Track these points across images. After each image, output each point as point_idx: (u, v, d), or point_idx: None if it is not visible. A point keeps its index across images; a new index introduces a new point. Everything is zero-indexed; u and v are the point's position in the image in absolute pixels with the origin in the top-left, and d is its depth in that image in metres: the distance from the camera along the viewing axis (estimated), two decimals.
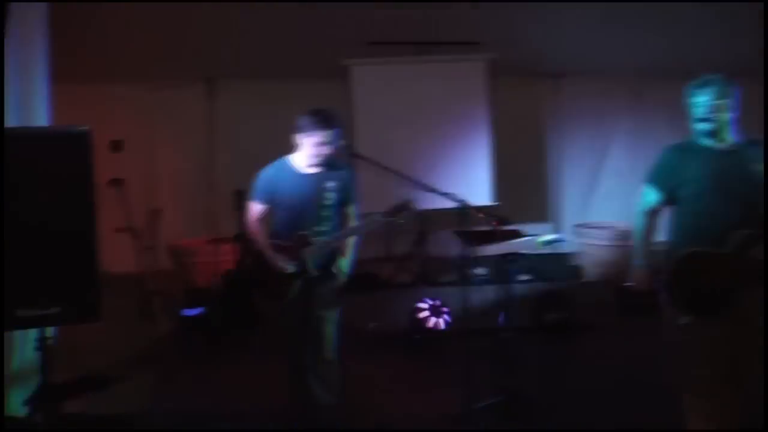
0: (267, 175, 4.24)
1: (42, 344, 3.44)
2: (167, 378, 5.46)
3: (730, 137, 3.62)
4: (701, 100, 3.58)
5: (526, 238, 4.43)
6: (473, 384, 4.26)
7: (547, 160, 9.98)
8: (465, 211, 3.98)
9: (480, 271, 7.94)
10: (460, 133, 8.69)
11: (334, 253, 4.30)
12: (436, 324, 6.03)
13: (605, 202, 9.52)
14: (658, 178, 3.78)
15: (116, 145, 6.35)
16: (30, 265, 3.20)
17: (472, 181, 8.62)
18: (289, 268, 4.15)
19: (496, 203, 8.52)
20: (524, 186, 9.66)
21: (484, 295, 5.88)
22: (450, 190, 8.04)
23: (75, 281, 3.29)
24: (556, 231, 9.87)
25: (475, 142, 8.66)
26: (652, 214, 3.82)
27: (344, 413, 4.42)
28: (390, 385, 5.31)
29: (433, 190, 4.04)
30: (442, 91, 8.65)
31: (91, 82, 8.50)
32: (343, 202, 4.26)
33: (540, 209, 9.95)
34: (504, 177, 8.94)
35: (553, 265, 8.45)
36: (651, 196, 3.80)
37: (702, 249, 3.55)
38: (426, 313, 6.06)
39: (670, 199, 3.74)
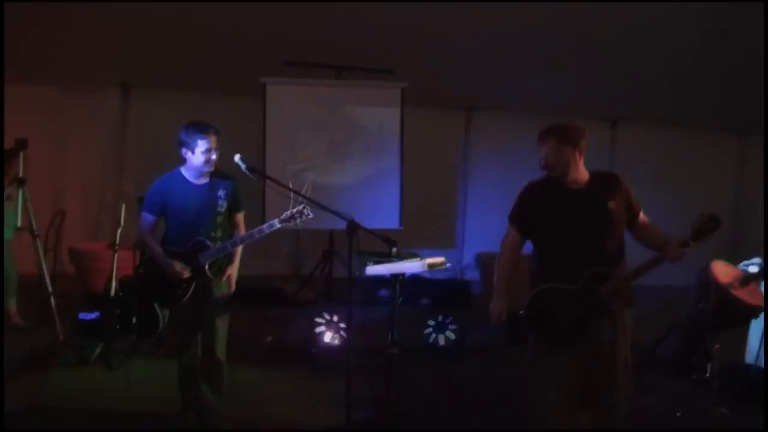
0: (158, 186, 4.40)
1: None
2: (54, 380, 5.45)
3: (581, 177, 3.82)
4: (543, 148, 3.78)
5: (413, 261, 4.59)
6: (354, 398, 4.42)
7: (457, 189, 10.30)
8: (354, 231, 4.13)
9: (383, 292, 8.15)
10: (372, 158, 8.86)
11: (226, 259, 4.46)
12: (331, 339, 6.15)
13: None
14: (516, 215, 4.00)
15: (20, 144, 6.24)
16: None
17: (381, 204, 8.81)
18: (185, 273, 4.30)
19: (399, 227, 8.71)
20: (432, 213, 9.97)
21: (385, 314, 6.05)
22: (359, 212, 8.33)
23: None
24: (461, 258, 10.22)
25: (386, 167, 8.84)
26: (512, 249, 4.01)
27: (227, 416, 4.58)
28: (275, 395, 5.43)
29: (323, 208, 4.19)
30: (356, 115, 8.83)
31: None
32: (232, 209, 4.49)
33: (446, 237, 10.25)
34: (413, 203, 9.18)
35: (454, 291, 8.74)
36: (512, 233, 4.00)
37: (553, 285, 3.80)
38: (322, 329, 6.18)
39: (529, 236, 3.97)
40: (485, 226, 9.74)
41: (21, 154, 6.32)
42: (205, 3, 7.15)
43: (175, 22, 7.51)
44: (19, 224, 6.52)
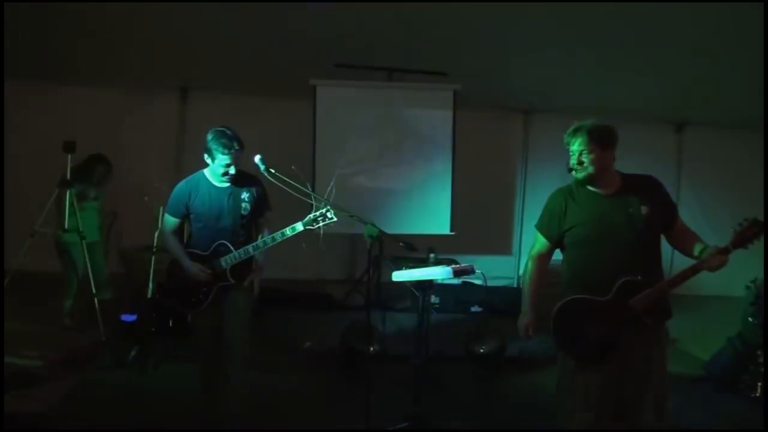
0: (181, 189, 4.37)
1: None
2: (90, 381, 5.47)
3: (613, 180, 3.61)
4: (573, 149, 3.60)
5: (440, 268, 4.41)
6: (387, 408, 4.27)
7: (514, 194, 10.03)
8: (377, 238, 4.00)
9: (433, 299, 7.98)
10: (423, 161, 8.71)
11: (249, 263, 4.37)
12: (365, 347, 6.01)
13: None
14: (544, 223, 3.80)
15: (69, 147, 6.34)
16: None
17: (432, 209, 8.66)
18: (204, 275, 4.25)
19: (450, 233, 8.53)
20: (488, 219, 9.74)
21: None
22: (409, 217, 8.20)
23: None
24: (517, 265, 9.94)
25: (437, 171, 8.67)
26: (540, 259, 3.82)
27: (250, 423, 4.49)
28: (303, 402, 5.35)
29: (347, 213, 4.07)
30: (407, 118, 8.69)
31: (73, 84, 8.81)
32: (256, 212, 4.39)
33: (503, 243, 10.00)
34: (468, 208, 8.99)
35: (504, 298, 8.48)
36: (539, 242, 3.82)
37: (582, 296, 3.56)
38: (357, 336, 6.05)
39: (557, 244, 3.76)
40: None
41: (68, 156, 6.40)
42: (256, 5, 7.11)
43: (229, 25, 7.51)
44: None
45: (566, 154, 9.53)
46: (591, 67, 8.27)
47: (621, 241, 3.53)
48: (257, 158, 4.18)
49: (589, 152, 3.55)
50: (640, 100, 8.81)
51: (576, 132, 3.60)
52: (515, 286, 9.57)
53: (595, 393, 3.55)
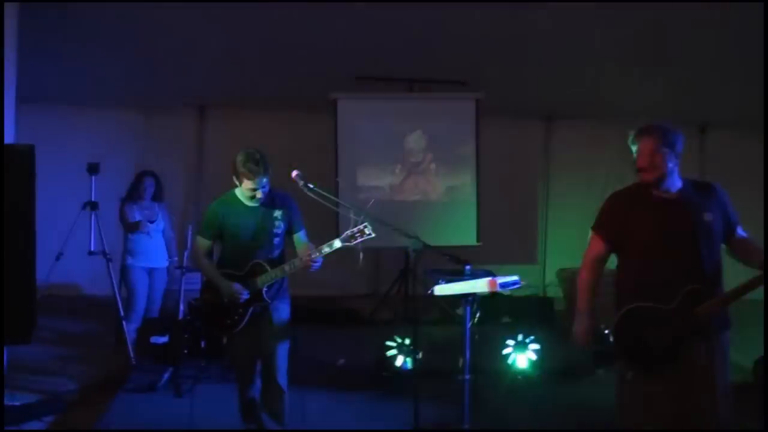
0: (213, 210, 4.28)
1: None
2: (123, 405, 5.38)
3: (675, 184, 3.51)
4: (641, 148, 3.47)
5: (481, 280, 4.28)
6: (428, 425, 4.16)
7: (537, 203, 9.92)
8: (421, 251, 3.90)
9: (459, 311, 7.84)
10: (447, 172, 8.64)
11: (283, 283, 4.27)
12: (403, 362, 5.91)
13: None
14: (602, 227, 3.67)
15: (92, 168, 6.28)
16: None
17: (457, 220, 8.58)
18: (243, 294, 4.14)
19: (478, 243, 8.42)
20: (512, 228, 9.61)
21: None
22: (434, 228, 8.10)
23: (8, 303, 3.20)
24: (543, 274, 9.82)
25: (462, 181, 8.60)
26: (598, 263, 3.69)
27: None
28: (344, 422, 5.18)
29: (384, 223, 3.96)
30: (430, 129, 8.63)
31: (86, 105, 8.77)
32: (289, 230, 4.30)
33: (528, 252, 9.88)
34: (492, 217, 8.87)
35: (536, 308, 8.36)
36: (596, 245, 3.69)
37: (644, 304, 3.44)
38: (394, 351, 5.94)
39: (615, 248, 3.64)
40: (568, 241, 9.29)
41: (92, 178, 6.34)
42: (275, 20, 7.06)
43: (246, 40, 7.47)
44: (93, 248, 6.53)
45: (589, 161, 9.48)
46: (611, 68, 8.17)
47: (684, 247, 3.41)
48: (294, 174, 4.08)
49: (661, 153, 3.43)
50: (662, 102, 8.67)
51: (647, 131, 3.48)
52: (542, 295, 9.43)
53: (657, 403, 3.44)
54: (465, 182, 8.59)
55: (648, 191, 3.51)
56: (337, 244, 4.08)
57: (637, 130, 3.51)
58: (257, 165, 4.04)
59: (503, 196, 9.36)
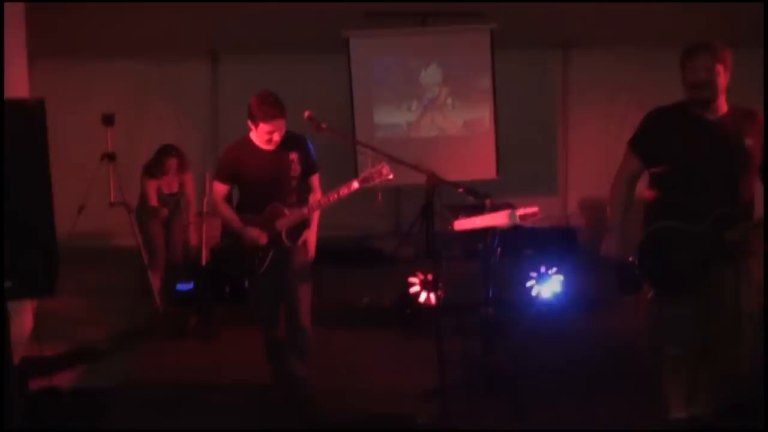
0: (229, 154, 4.25)
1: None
2: (153, 353, 5.48)
3: (721, 107, 3.41)
4: (694, 65, 3.35)
5: (501, 213, 4.24)
6: (451, 359, 4.18)
7: (556, 133, 9.79)
8: (435, 187, 3.84)
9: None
10: (464, 106, 8.54)
11: (303, 225, 4.26)
12: (427, 299, 5.93)
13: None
14: (640, 143, 3.58)
15: (107, 119, 6.27)
16: None
17: (476, 154, 8.52)
18: (263, 238, 4.16)
19: (496, 177, 8.36)
20: (532, 159, 9.49)
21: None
22: (453, 164, 8.02)
23: (29, 256, 3.22)
24: (565, 205, 9.75)
25: (479, 115, 8.50)
26: (631, 179, 3.62)
27: (318, 385, 4.39)
28: (369, 360, 5.28)
29: (401, 162, 3.89)
30: (444, 63, 8.50)
31: (99, 57, 8.69)
32: (306, 172, 4.27)
33: (548, 183, 9.77)
34: (511, 150, 8.77)
35: (559, 239, 8.33)
36: (631, 161, 3.62)
37: (673, 224, 3.40)
38: (417, 288, 5.96)
39: (650, 166, 3.56)
40: (589, 170, 9.18)
41: (108, 129, 6.33)
42: None
43: None
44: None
45: (608, 89, 9.25)
46: None
47: (720, 170, 3.36)
48: (307, 114, 4.03)
49: (712, 70, 3.33)
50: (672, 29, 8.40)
51: (702, 48, 3.35)
52: (567, 226, 9.37)
53: (682, 327, 3.43)
54: (482, 115, 8.49)
55: (693, 111, 3.43)
56: (355, 185, 4.05)
57: (690, 45, 3.39)
58: (273, 107, 4.00)
59: (521, 127, 9.21)
